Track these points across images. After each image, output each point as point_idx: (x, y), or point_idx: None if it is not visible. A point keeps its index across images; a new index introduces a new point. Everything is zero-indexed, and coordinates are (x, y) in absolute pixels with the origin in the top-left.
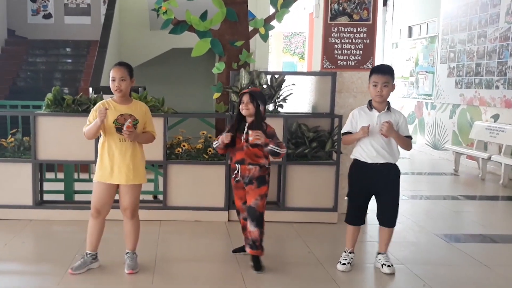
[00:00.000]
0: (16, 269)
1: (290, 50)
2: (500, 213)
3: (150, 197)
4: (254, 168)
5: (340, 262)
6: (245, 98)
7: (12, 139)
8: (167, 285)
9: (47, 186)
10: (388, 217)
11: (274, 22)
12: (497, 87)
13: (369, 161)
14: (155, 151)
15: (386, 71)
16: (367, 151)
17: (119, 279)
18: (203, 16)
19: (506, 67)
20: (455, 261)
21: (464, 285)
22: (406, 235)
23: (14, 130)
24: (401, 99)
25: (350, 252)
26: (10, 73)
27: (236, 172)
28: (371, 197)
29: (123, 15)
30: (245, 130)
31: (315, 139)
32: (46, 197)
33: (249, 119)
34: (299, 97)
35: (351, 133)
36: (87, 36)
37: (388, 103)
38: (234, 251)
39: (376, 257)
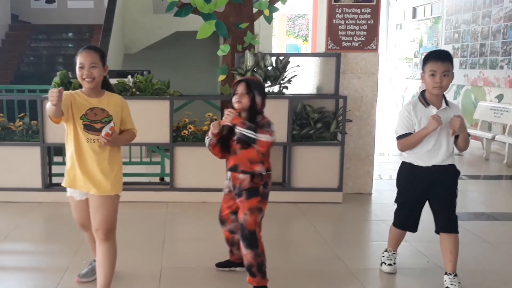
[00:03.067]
0: (27, 249)
1: (293, 33)
2: (503, 192)
3: (157, 179)
4: (245, 178)
5: (385, 263)
6: (240, 89)
7: (21, 123)
8: (176, 263)
9: (55, 169)
10: (446, 221)
11: (278, 4)
12: (502, 67)
13: (427, 164)
14: (161, 133)
15: (445, 57)
16: (428, 154)
17: (129, 257)
18: None
19: (511, 47)
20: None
21: (467, 261)
22: None
23: (22, 114)
24: (405, 80)
25: (393, 253)
26: (14, 58)
27: (228, 180)
28: (427, 200)
29: None
30: (237, 133)
31: (320, 120)
32: (55, 180)
33: (244, 114)
34: (303, 79)
35: (410, 134)
36: (90, 20)
37: (444, 96)
38: (218, 265)
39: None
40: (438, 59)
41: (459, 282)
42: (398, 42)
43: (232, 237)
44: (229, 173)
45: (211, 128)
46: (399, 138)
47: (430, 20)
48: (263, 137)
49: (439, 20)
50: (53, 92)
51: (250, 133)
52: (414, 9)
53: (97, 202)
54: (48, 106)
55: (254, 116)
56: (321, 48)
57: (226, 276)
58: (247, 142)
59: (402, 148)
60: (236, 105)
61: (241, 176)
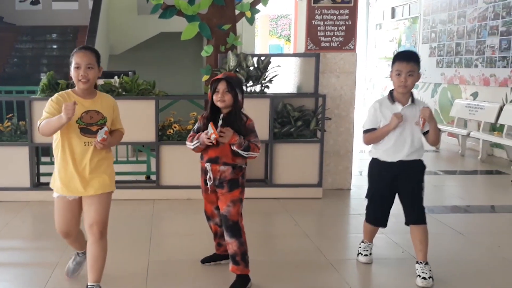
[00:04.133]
0: (18, 245)
1: (276, 33)
2: (476, 187)
3: (143, 178)
4: (227, 169)
5: (362, 254)
6: (221, 87)
7: (9, 123)
8: (163, 256)
9: (43, 169)
10: (416, 213)
11: (260, 6)
12: (476, 66)
13: (393, 160)
14: (147, 133)
15: (411, 58)
16: (393, 148)
17: (117, 251)
18: (191, 1)
19: (485, 46)
20: (432, 229)
21: (439, 251)
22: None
23: (10, 115)
24: (385, 79)
25: (369, 243)
26: (0, 60)
27: (206, 173)
28: (396, 195)
29: (111, 0)
30: (219, 122)
31: (300, 118)
32: (43, 179)
33: (225, 110)
34: (284, 78)
35: (375, 129)
36: (75, 22)
37: (412, 94)
38: (203, 261)
39: (415, 265)
40: (403, 60)
41: (430, 270)
42: (378, 41)
43: (220, 230)
44: (208, 164)
45: (205, 140)
46: (365, 132)
47: (408, 20)
48: (253, 154)
49: (416, 20)
50: (68, 106)
51: (245, 154)
52: (393, 9)
53: (93, 199)
54: (53, 123)
55: (239, 114)
56: (302, 48)
57: (211, 269)
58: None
59: (367, 142)
60: (219, 104)
61: (222, 168)
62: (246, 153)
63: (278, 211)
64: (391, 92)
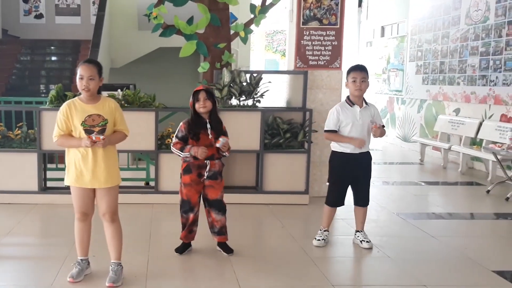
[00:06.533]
0: (29, 242)
1: (272, 48)
2: (454, 196)
3: (142, 184)
4: (218, 163)
5: (316, 238)
6: (202, 96)
7: (19, 131)
8: (161, 253)
9: (50, 174)
10: (364, 198)
11: (253, 26)
12: (458, 83)
13: (354, 151)
14: (147, 141)
15: (363, 68)
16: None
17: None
18: (190, 21)
19: (466, 65)
20: (407, 233)
21: (412, 251)
22: (368, 214)
23: (20, 124)
24: (374, 95)
25: (325, 230)
26: (5, 71)
27: (205, 168)
28: (351, 181)
29: (113, 16)
30: (209, 129)
31: (289, 131)
32: (50, 184)
33: (205, 116)
34: (275, 93)
35: (336, 131)
36: (77, 36)
37: (363, 98)
38: (178, 250)
39: (355, 234)
40: (357, 69)
41: (366, 235)
42: (368, 58)
43: (197, 217)
44: (207, 161)
45: (199, 155)
46: (327, 131)
47: (397, 39)
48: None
49: (404, 39)
50: (87, 141)
51: (226, 155)
52: (383, 28)
53: (103, 193)
54: (70, 143)
55: (219, 121)
56: (291, 66)
57: (206, 262)
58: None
59: (328, 139)
60: (201, 110)
61: (216, 161)
62: (226, 154)
63: (267, 215)
64: (348, 97)
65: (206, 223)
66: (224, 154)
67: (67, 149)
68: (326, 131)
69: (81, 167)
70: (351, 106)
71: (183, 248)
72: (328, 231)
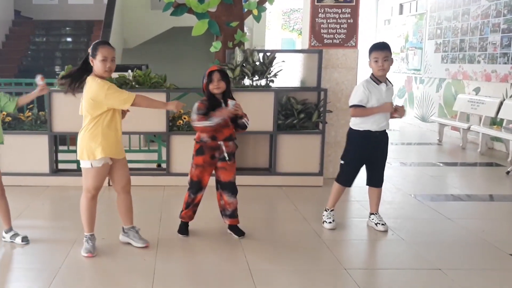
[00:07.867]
0: (39, 224)
1: (289, 27)
2: (473, 177)
3: (154, 166)
4: (232, 144)
5: (326, 222)
6: (216, 76)
7: (30, 113)
8: (171, 235)
9: (61, 156)
10: (379, 178)
11: (267, 4)
12: (479, 62)
13: (376, 129)
14: (158, 123)
15: (384, 47)
16: (378, 120)
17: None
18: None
19: (487, 43)
20: (423, 215)
21: (427, 234)
22: (383, 195)
23: (31, 106)
24: (392, 74)
25: (331, 210)
26: (18, 53)
27: (219, 150)
28: (366, 161)
29: None
30: (222, 102)
31: (303, 111)
32: (61, 166)
33: (219, 96)
34: (288, 73)
35: (364, 106)
36: (90, 16)
37: (386, 78)
38: (182, 232)
39: (369, 217)
40: (378, 48)
41: (381, 218)
42: (386, 37)
43: (199, 199)
44: (221, 142)
45: (226, 114)
46: (353, 106)
47: (415, 17)
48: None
49: (423, 17)
50: (179, 106)
51: (248, 123)
52: (401, 6)
53: (121, 163)
54: (158, 104)
55: (232, 97)
56: (306, 44)
57: (216, 245)
58: (233, 119)
59: (355, 115)
60: (215, 91)
61: (230, 143)
62: (248, 121)
63: (280, 197)
64: (372, 74)
65: (211, 207)
66: (243, 120)
67: (97, 123)
68: (353, 106)
69: (115, 137)
70: (377, 84)
71: (186, 229)
72: (334, 210)
